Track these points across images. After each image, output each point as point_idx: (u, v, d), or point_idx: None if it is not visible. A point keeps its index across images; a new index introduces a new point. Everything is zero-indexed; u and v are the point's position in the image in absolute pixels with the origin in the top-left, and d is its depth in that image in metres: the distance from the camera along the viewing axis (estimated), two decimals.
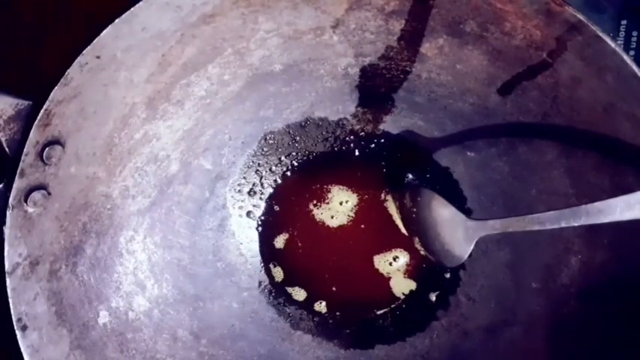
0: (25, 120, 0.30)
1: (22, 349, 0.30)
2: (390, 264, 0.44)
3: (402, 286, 0.44)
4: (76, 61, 0.30)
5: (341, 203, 0.44)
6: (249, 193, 0.44)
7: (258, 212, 0.45)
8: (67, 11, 0.45)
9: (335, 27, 0.36)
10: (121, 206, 0.37)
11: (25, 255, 0.31)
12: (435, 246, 0.40)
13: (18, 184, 0.30)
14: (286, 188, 0.45)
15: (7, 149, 0.30)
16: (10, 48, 0.45)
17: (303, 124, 0.44)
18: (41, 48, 0.44)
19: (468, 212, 0.43)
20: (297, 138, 0.44)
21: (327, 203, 0.44)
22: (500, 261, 0.41)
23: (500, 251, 0.41)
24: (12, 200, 0.30)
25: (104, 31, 0.30)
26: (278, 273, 0.44)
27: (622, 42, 0.44)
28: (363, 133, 0.44)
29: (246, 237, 0.44)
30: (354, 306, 0.44)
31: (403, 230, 0.43)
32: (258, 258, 0.44)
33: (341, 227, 0.44)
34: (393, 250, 0.44)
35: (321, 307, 0.44)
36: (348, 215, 0.44)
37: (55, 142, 0.31)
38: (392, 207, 0.44)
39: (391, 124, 0.44)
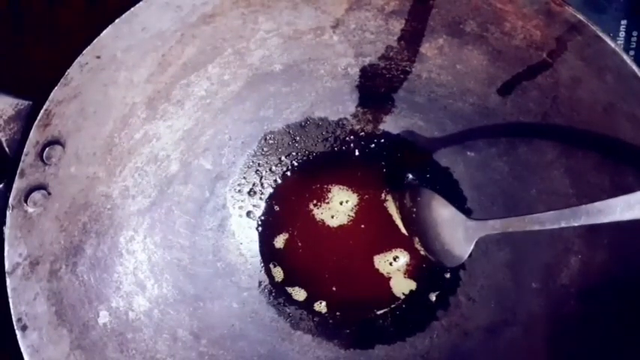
0: (25, 120, 0.30)
1: (22, 349, 0.30)
2: (390, 264, 0.44)
3: (402, 286, 0.44)
4: (76, 61, 0.30)
5: (341, 203, 0.44)
6: (249, 193, 0.44)
7: (258, 212, 0.45)
8: (67, 11, 0.45)
9: (335, 27, 0.36)
10: (121, 206, 0.37)
11: (25, 255, 0.31)
12: (435, 246, 0.40)
13: (18, 184, 0.30)
14: (286, 188, 0.45)
15: (7, 149, 0.30)
16: (10, 48, 0.45)
17: (303, 124, 0.44)
18: (41, 48, 0.44)
19: (468, 212, 0.43)
20: (297, 138, 0.44)
21: (327, 203, 0.44)
22: (500, 261, 0.41)
23: (500, 251, 0.41)
24: (12, 200, 0.30)
25: (104, 31, 0.30)
26: (278, 273, 0.44)
27: (622, 42, 0.44)
28: (363, 133, 0.44)
29: (246, 237, 0.44)
30: (354, 306, 0.44)
31: (403, 230, 0.43)
32: (258, 258, 0.44)
33: (341, 227, 0.44)
34: (393, 250, 0.44)
35: (321, 307, 0.44)
36: (348, 215, 0.44)
37: (55, 142, 0.31)
38: (392, 207, 0.44)
39: (391, 124, 0.44)
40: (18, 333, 0.30)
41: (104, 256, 0.36)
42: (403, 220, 0.43)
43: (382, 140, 0.44)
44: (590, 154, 0.35)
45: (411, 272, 0.44)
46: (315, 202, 0.44)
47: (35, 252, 0.31)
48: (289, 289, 0.44)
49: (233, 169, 0.43)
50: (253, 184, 0.44)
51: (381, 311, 0.44)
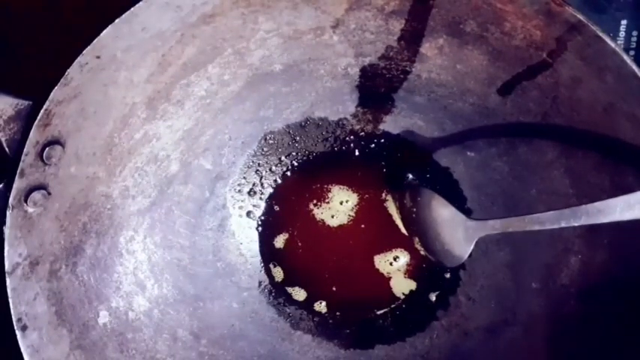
0: (25, 120, 0.30)
1: (22, 349, 0.30)
2: (391, 264, 0.44)
3: (402, 286, 0.44)
4: (76, 61, 0.30)
5: (341, 203, 0.44)
6: (249, 193, 0.44)
7: (258, 212, 0.45)
8: (67, 11, 0.45)
9: (335, 27, 0.36)
10: (121, 206, 0.37)
11: (25, 255, 0.31)
12: (435, 246, 0.40)
13: (18, 184, 0.30)
14: (286, 188, 0.45)
15: (7, 149, 0.30)
16: (10, 48, 0.45)
17: (303, 124, 0.44)
18: (41, 48, 0.44)
19: (468, 212, 0.43)
20: (297, 138, 0.44)
21: (328, 203, 0.44)
22: (500, 261, 0.41)
23: (501, 251, 0.41)
24: (12, 200, 0.30)
25: (104, 31, 0.30)
26: (278, 273, 0.44)
27: (622, 42, 0.44)
28: (363, 133, 0.44)
29: (246, 237, 0.44)
30: (354, 306, 0.44)
31: (403, 230, 0.43)
32: (258, 258, 0.44)
33: (341, 227, 0.44)
34: (394, 250, 0.44)
35: (321, 307, 0.44)
36: (349, 215, 0.44)
37: (55, 142, 0.31)
38: (392, 207, 0.44)
39: (391, 124, 0.44)
40: (18, 333, 0.30)
41: (104, 256, 0.36)
42: (403, 220, 0.43)
43: (382, 140, 0.44)
44: (590, 154, 0.35)
45: (411, 272, 0.44)
46: (315, 202, 0.44)
47: (35, 252, 0.31)
48: (289, 289, 0.44)
49: (233, 169, 0.43)
50: (253, 184, 0.44)
51: (381, 311, 0.44)
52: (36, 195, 0.31)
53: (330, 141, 0.44)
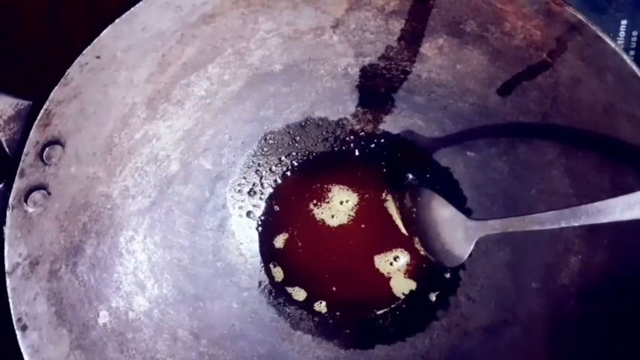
0: (25, 120, 0.30)
1: (22, 349, 0.30)
2: (391, 264, 0.44)
3: (402, 286, 0.44)
4: (76, 61, 0.30)
5: (341, 203, 0.44)
6: (249, 193, 0.44)
7: (258, 212, 0.45)
8: (67, 11, 0.45)
9: (335, 27, 0.36)
10: (121, 206, 0.37)
11: (25, 255, 0.31)
12: (435, 246, 0.40)
13: (18, 184, 0.30)
14: (286, 188, 0.45)
15: (7, 149, 0.30)
16: (10, 48, 0.45)
17: (303, 124, 0.44)
18: (41, 48, 0.44)
19: (468, 212, 0.43)
20: (297, 138, 0.44)
21: (327, 203, 0.44)
22: (500, 261, 0.41)
23: (500, 251, 0.41)
24: (12, 200, 0.30)
25: (104, 31, 0.30)
26: (278, 273, 0.44)
27: (622, 42, 0.44)
28: (363, 133, 0.44)
29: (246, 237, 0.44)
30: (354, 306, 0.44)
31: (403, 230, 0.43)
32: (258, 258, 0.44)
33: (341, 227, 0.44)
34: (394, 250, 0.44)
35: (321, 307, 0.44)
36: (349, 215, 0.44)
37: (55, 142, 0.31)
38: (392, 207, 0.44)
39: (391, 124, 0.44)
40: (18, 333, 0.30)
41: (104, 256, 0.36)
42: (403, 220, 0.43)
43: (382, 140, 0.44)
44: (590, 154, 0.35)
45: (411, 272, 0.44)
46: (315, 201, 0.44)
47: (35, 252, 0.31)
48: (289, 289, 0.44)
49: (233, 169, 0.43)
50: (253, 184, 0.44)
51: (381, 311, 0.44)
52: (36, 195, 0.31)
53: (330, 141, 0.44)
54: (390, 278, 0.44)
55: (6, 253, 0.30)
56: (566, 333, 0.37)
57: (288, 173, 0.45)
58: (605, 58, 0.31)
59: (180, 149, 0.39)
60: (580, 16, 0.31)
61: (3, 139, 0.30)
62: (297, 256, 0.44)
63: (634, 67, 0.30)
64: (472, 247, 0.36)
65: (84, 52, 0.30)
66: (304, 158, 0.45)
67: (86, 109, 0.32)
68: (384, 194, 0.44)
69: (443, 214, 0.39)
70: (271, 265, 0.44)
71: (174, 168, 0.40)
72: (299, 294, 0.44)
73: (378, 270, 0.44)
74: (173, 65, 0.35)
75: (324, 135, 0.44)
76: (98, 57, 0.31)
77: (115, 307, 0.36)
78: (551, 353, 0.37)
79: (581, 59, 0.32)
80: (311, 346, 0.43)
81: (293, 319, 0.43)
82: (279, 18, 0.35)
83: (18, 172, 0.30)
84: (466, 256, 0.37)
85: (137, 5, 0.30)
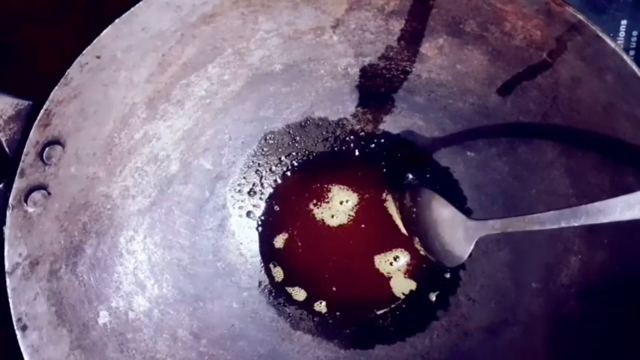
0: (25, 120, 0.30)
1: (22, 349, 0.30)
2: (391, 264, 0.44)
3: (402, 286, 0.44)
4: (76, 61, 0.30)
5: (341, 203, 0.44)
6: (249, 193, 0.44)
7: (258, 212, 0.45)
8: (67, 11, 0.45)
9: (335, 27, 0.36)
10: (121, 206, 0.37)
11: (25, 255, 0.31)
12: (435, 246, 0.40)
13: (18, 184, 0.30)
14: (286, 188, 0.45)
15: (7, 149, 0.30)
16: (10, 48, 0.45)
17: (303, 124, 0.44)
18: (41, 48, 0.44)
19: (468, 212, 0.43)
20: (297, 138, 0.44)
21: (327, 202, 0.44)
22: (500, 261, 0.41)
23: (500, 251, 0.41)
24: (12, 200, 0.30)
25: (104, 31, 0.30)
26: (278, 273, 0.44)
27: (622, 42, 0.44)
28: (363, 133, 0.44)
29: (246, 237, 0.44)
30: (354, 306, 0.44)
31: (403, 230, 0.43)
32: (258, 258, 0.44)
33: (341, 227, 0.44)
34: (394, 249, 0.44)
35: (321, 307, 0.44)
36: (349, 215, 0.44)
37: (55, 142, 0.31)
38: (392, 207, 0.44)
39: (391, 124, 0.44)
40: (18, 333, 0.30)
41: (104, 256, 0.36)
42: (403, 220, 0.43)
43: (382, 140, 0.44)
44: (590, 154, 0.35)
45: (411, 272, 0.44)
46: (315, 201, 0.44)
47: (35, 252, 0.31)
48: (289, 289, 0.44)
49: (233, 169, 0.43)
50: (253, 184, 0.44)
51: (381, 311, 0.44)
52: (36, 195, 0.31)
53: (330, 141, 0.44)
54: (390, 278, 0.44)
55: (6, 253, 0.30)
56: (566, 333, 0.37)
57: (288, 173, 0.45)
58: (605, 58, 0.31)
59: (180, 149, 0.39)
60: (580, 16, 0.31)
61: (3, 139, 0.30)
62: (297, 256, 0.44)
63: (634, 67, 0.30)
64: (472, 247, 0.36)
65: (84, 52, 0.30)
66: (304, 158, 0.45)
67: (86, 109, 0.32)
68: (384, 194, 0.44)
69: (443, 214, 0.39)
70: (271, 265, 0.44)
71: (174, 168, 0.40)
72: (299, 294, 0.44)
73: (378, 270, 0.44)
74: (173, 65, 0.35)
75: (324, 135, 0.44)
76: (98, 57, 0.31)
77: (115, 307, 0.36)
78: (551, 353, 0.37)
79: (581, 59, 0.32)
80: (311, 346, 0.43)
81: (293, 319, 0.43)
82: (279, 18, 0.35)
83: (18, 172, 0.30)
84: (466, 256, 0.37)
85: (137, 5, 0.30)
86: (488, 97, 0.38)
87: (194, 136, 0.40)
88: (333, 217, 0.44)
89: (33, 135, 0.30)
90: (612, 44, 0.31)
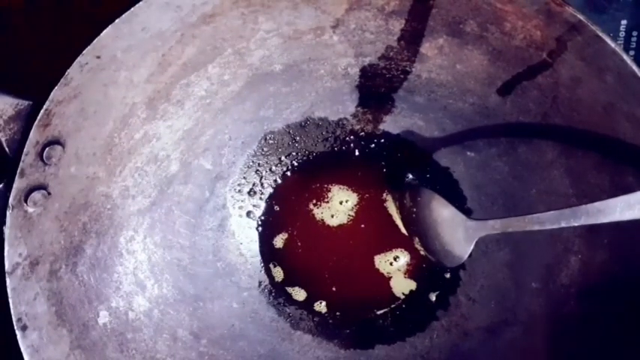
0: (25, 120, 0.30)
1: (22, 349, 0.30)
2: (391, 264, 0.44)
3: (402, 286, 0.44)
4: (76, 61, 0.30)
5: (341, 202, 0.44)
6: (249, 193, 0.44)
7: (258, 212, 0.45)
8: (67, 11, 0.45)
9: (335, 27, 0.36)
10: (121, 206, 0.37)
11: (25, 255, 0.31)
12: (435, 246, 0.40)
13: (18, 184, 0.30)
14: (286, 188, 0.45)
15: (7, 149, 0.30)
16: (10, 48, 0.45)
17: (303, 124, 0.44)
18: (41, 48, 0.44)
19: (468, 212, 0.43)
20: (297, 138, 0.44)
21: (327, 202, 0.44)
22: (500, 261, 0.41)
23: (500, 251, 0.41)
24: (12, 200, 0.30)
25: (104, 31, 0.30)
26: (278, 273, 0.44)
27: (622, 42, 0.44)
28: (363, 133, 0.44)
29: (246, 237, 0.44)
30: (354, 306, 0.44)
31: (403, 230, 0.43)
32: (258, 258, 0.44)
33: (341, 227, 0.44)
34: (394, 249, 0.44)
35: (321, 307, 0.44)
36: (349, 215, 0.44)
37: (55, 142, 0.31)
38: (392, 207, 0.44)
39: (391, 124, 0.44)
40: (18, 333, 0.30)
41: (104, 256, 0.36)
42: (403, 220, 0.43)
43: (382, 140, 0.44)
44: (590, 154, 0.35)
45: (411, 272, 0.44)
46: (315, 201, 0.44)
47: (35, 252, 0.31)
48: (289, 289, 0.44)
49: (233, 169, 0.43)
50: (253, 184, 0.44)
51: (381, 311, 0.44)
52: (36, 195, 0.31)
53: (330, 141, 0.44)
54: (390, 278, 0.44)
55: (6, 253, 0.30)
56: (566, 333, 0.37)
57: (288, 173, 0.45)
58: (605, 58, 0.31)
59: (180, 149, 0.39)
60: (580, 16, 0.31)
61: (3, 139, 0.30)
62: (297, 256, 0.44)
63: (634, 67, 0.30)
64: (472, 247, 0.36)
65: (84, 52, 0.30)
66: (304, 158, 0.45)
67: (86, 109, 0.32)
68: (384, 194, 0.44)
69: (443, 214, 0.39)
70: (271, 265, 0.44)
71: (174, 168, 0.40)
72: (299, 294, 0.44)
73: (378, 270, 0.44)
74: (173, 65, 0.35)
75: (324, 135, 0.44)
76: (98, 57, 0.31)
77: (115, 307, 0.36)
78: (551, 353, 0.37)
79: (581, 59, 0.32)
80: (311, 346, 0.43)
81: (293, 319, 0.43)
82: (279, 18, 0.35)
83: (18, 172, 0.30)
84: (466, 256, 0.37)
85: (137, 5, 0.30)
86: (488, 97, 0.38)
87: (194, 136, 0.40)
88: (333, 217, 0.44)
89: (33, 135, 0.30)
90: (612, 44, 0.31)
